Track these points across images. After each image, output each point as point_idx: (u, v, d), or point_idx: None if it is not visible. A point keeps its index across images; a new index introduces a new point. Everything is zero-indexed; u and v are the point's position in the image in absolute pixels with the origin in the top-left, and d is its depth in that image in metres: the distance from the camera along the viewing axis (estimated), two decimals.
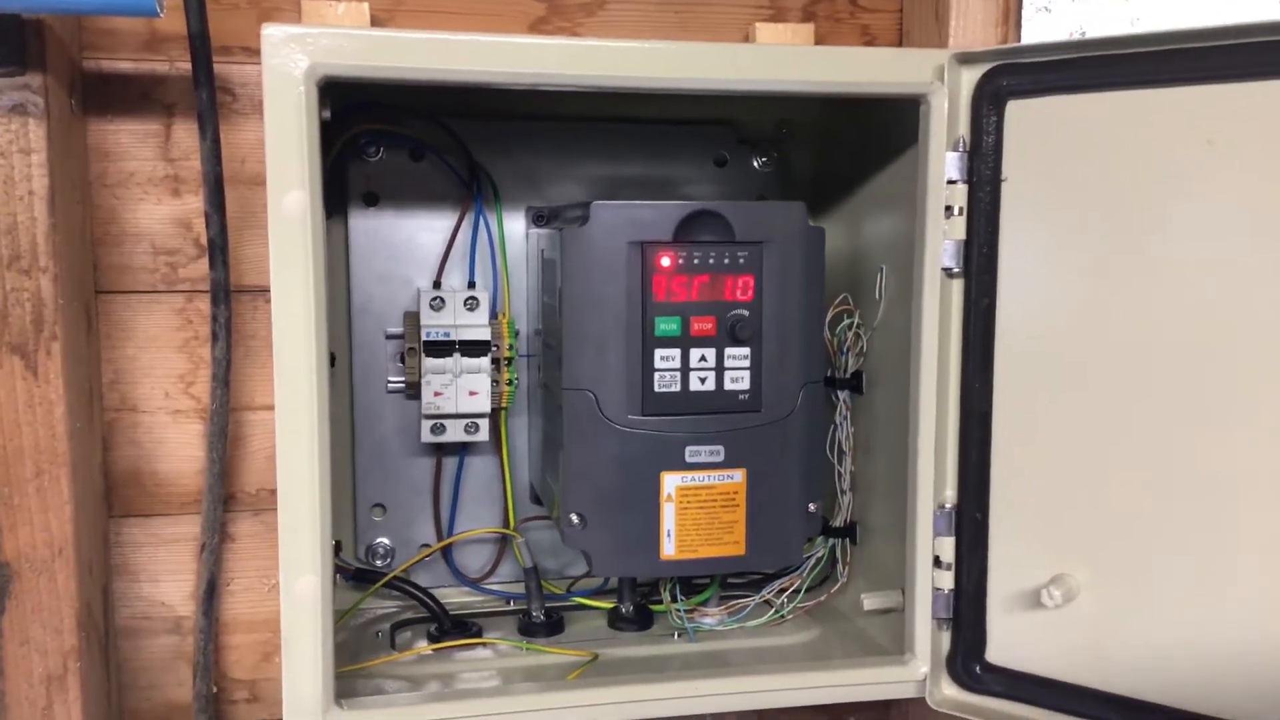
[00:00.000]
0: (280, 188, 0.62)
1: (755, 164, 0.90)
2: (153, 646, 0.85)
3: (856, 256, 0.85)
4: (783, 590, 0.85)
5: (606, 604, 0.86)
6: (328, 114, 0.64)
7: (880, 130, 0.80)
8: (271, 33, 0.61)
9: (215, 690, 0.84)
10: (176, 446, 0.83)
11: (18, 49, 0.70)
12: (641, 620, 0.84)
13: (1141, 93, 0.64)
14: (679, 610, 0.83)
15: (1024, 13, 0.82)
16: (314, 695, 0.65)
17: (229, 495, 0.84)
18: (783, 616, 0.85)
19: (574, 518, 0.73)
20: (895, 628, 0.79)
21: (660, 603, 0.85)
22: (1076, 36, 0.78)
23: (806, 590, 0.85)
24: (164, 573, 0.84)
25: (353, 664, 0.76)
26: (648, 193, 0.88)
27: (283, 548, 0.64)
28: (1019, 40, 0.81)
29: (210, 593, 0.80)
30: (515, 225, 0.87)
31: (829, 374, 0.83)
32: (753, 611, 0.85)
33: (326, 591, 0.64)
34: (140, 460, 0.83)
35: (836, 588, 0.86)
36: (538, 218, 0.86)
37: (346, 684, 0.71)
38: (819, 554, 0.85)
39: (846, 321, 0.83)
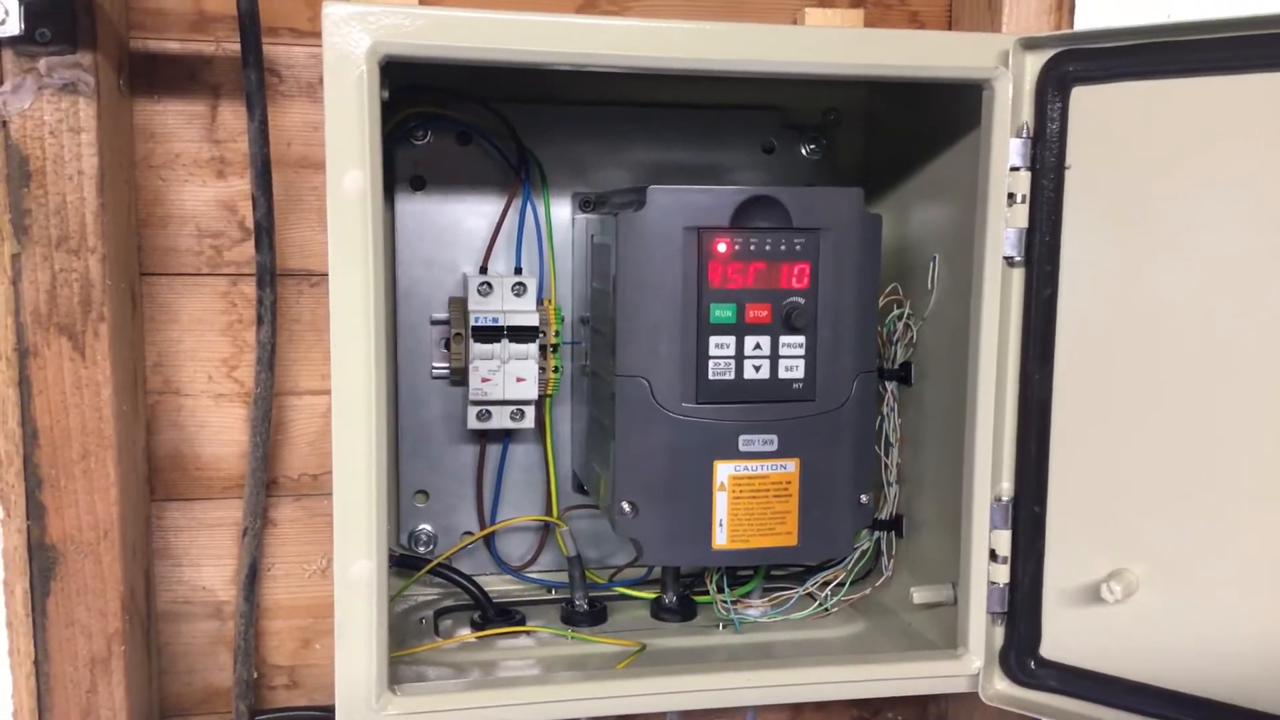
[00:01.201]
0: (340, 168, 0.61)
1: (803, 151, 0.89)
2: (193, 631, 0.84)
3: (906, 246, 0.84)
4: (826, 583, 0.85)
5: (649, 594, 0.85)
6: (387, 94, 0.63)
7: (933, 117, 0.79)
8: (332, 11, 0.60)
9: (255, 675, 0.84)
10: (219, 430, 0.83)
11: (69, 28, 0.70)
12: (685, 611, 0.84)
13: (1212, 79, 0.63)
14: (725, 601, 0.82)
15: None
16: (368, 680, 0.64)
17: (271, 480, 0.84)
18: (827, 609, 0.84)
19: (625, 506, 0.72)
20: (942, 622, 0.78)
21: (703, 594, 0.85)
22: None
23: (851, 583, 0.85)
24: (205, 557, 0.84)
25: (397, 650, 0.75)
26: (695, 179, 0.87)
27: (338, 533, 0.63)
28: (1072, 28, 0.80)
29: (252, 577, 0.80)
30: (560, 211, 0.86)
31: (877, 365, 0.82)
32: (796, 604, 0.84)
33: (382, 576, 0.64)
34: (183, 444, 0.83)
35: (881, 581, 0.85)
36: (584, 203, 0.85)
37: (391, 670, 0.70)
38: (864, 547, 0.84)
39: (896, 312, 0.82)
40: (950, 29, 0.90)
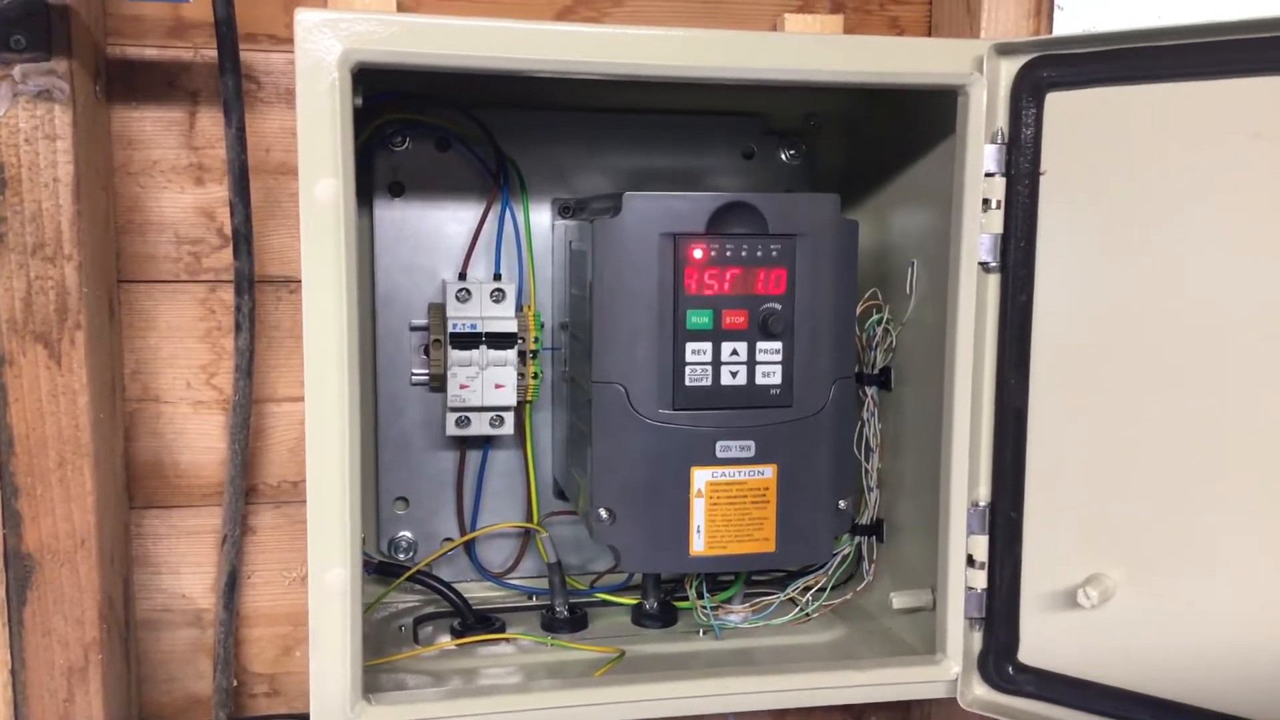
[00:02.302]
0: (312, 176, 0.61)
1: (783, 156, 0.89)
2: (172, 639, 0.84)
3: (885, 251, 0.84)
4: (807, 588, 0.84)
5: (630, 600, 0.85)
6: (360, 101, 0.63)
7: (912, 122, 0.79)
8: (304, 17, 0.60)
9: (235, 683, 0.83)
10: (198, 438, 0.83)
11: (44, 34, 0.69)
12: (665, 617, 0.84)
13: (1186, 85, 0.63)
14: (705, 607, 0.82)
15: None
16: (342, 689, 0.64)
17: (250, 487, 0.84)
18: (807, 615, 0.84)
19: (603, 512, 0.72)
20: (922, 627, 0.78)
21: (684, 599, 0.85)
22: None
23: (831, 589, 0.85)
24: (184, 565, 0.84)
25: (376, 658, 0.75)
26: (675, 185, 0.87)
27: (311, 540, 0.63)
28: (1050, 33, 0.80)
29: (231, 585, 0.80)
30: (540, 217, 0.86)
31: (856, 370, 0.82)
32: (777, 609, 0.84)
33: (356, 584, 0.64)
34: (161, 451, 0.82)
35: (862, 586, 0.85)
36: (564, 209, 0.85)
37: (370, 678, 0.71)
38: (844, 552, 0.84)
39: (875, 317, 0.82)
40: (930, 35, 0.90)
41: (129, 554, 0.82)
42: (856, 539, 0.84)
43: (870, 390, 0.83)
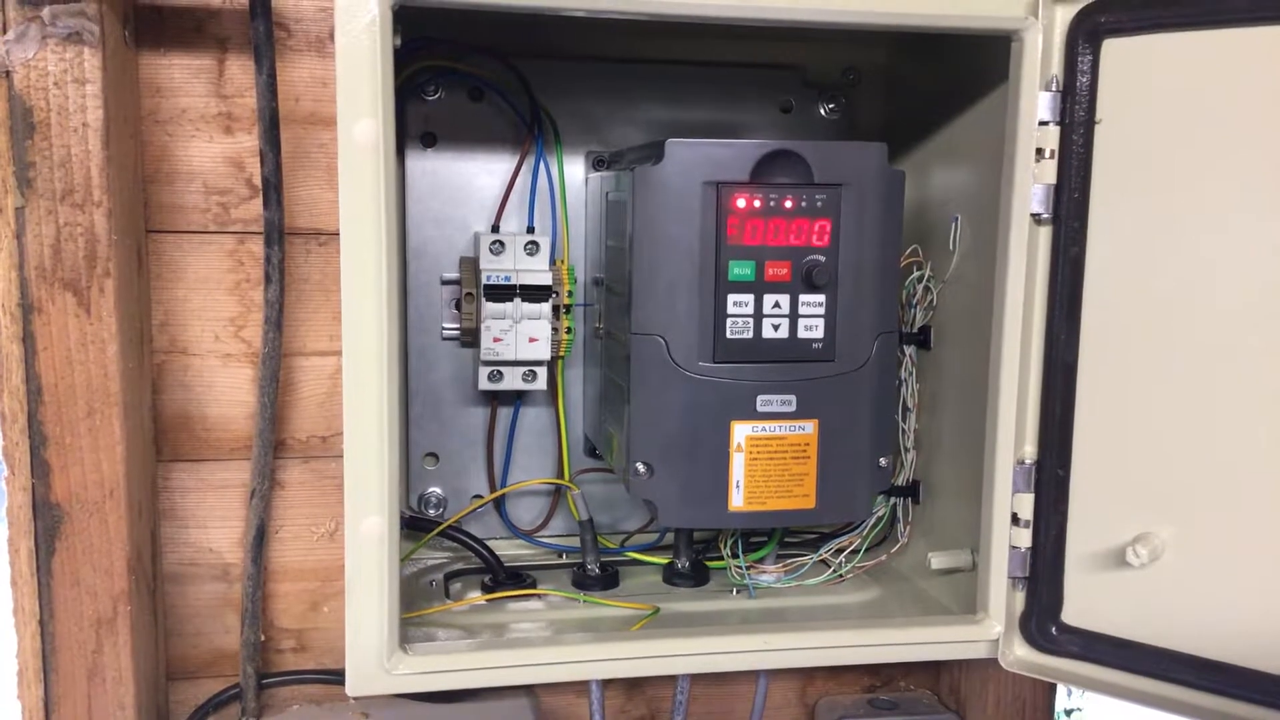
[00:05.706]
0: (351, 117, 0.59)
1: (822, 111, 0.87)
2: (200, 593, 0.83)
3: (927, 207, 0.82)
4: (841, 550, 0.83)
5: (662, 559, 0.84)
6: (399, 41, 0.61)
7: (956, 73, 0.77)
8: None
9: (262, 638, 0.83)
10: (226, 390, 0.82)
11: None
12: (697, 576, 0.83)
13: (1249, 30, 0.61)
14: (740, 566, 0.81)
15: None
16: (379, 638, 0.63)
17: (279, 441, 0.83)
18: (841, 576, 0.83)
19: (640, 467, 0.71)
20: (958, 589, 0.77)
21: (716, 559, 0.84)
22: None
23: (865, 550, 0.83)
24: (212, 518, 0.83)
25: (407, 612, 0.74)
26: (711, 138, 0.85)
27: (348, 488, 0.62)
28: None
29: (259, 540, 0.79)
30: (572, 171, 0.84)
31: None
32: (810, 570, 0.83)
33: (393, 533, 0.63)
34: (190, 404, 0.81)
35: (897, 548, 0.83)
36: (598, 161, 0.83)
37: (401, 631, 0.70)
38: (879, 513, 0.83)
39: (916, 274, 0.81)
40: None
41: (156, 507, 0.81)
42: (892, 500, 0.83)
43: (909, 349, 0.82)
